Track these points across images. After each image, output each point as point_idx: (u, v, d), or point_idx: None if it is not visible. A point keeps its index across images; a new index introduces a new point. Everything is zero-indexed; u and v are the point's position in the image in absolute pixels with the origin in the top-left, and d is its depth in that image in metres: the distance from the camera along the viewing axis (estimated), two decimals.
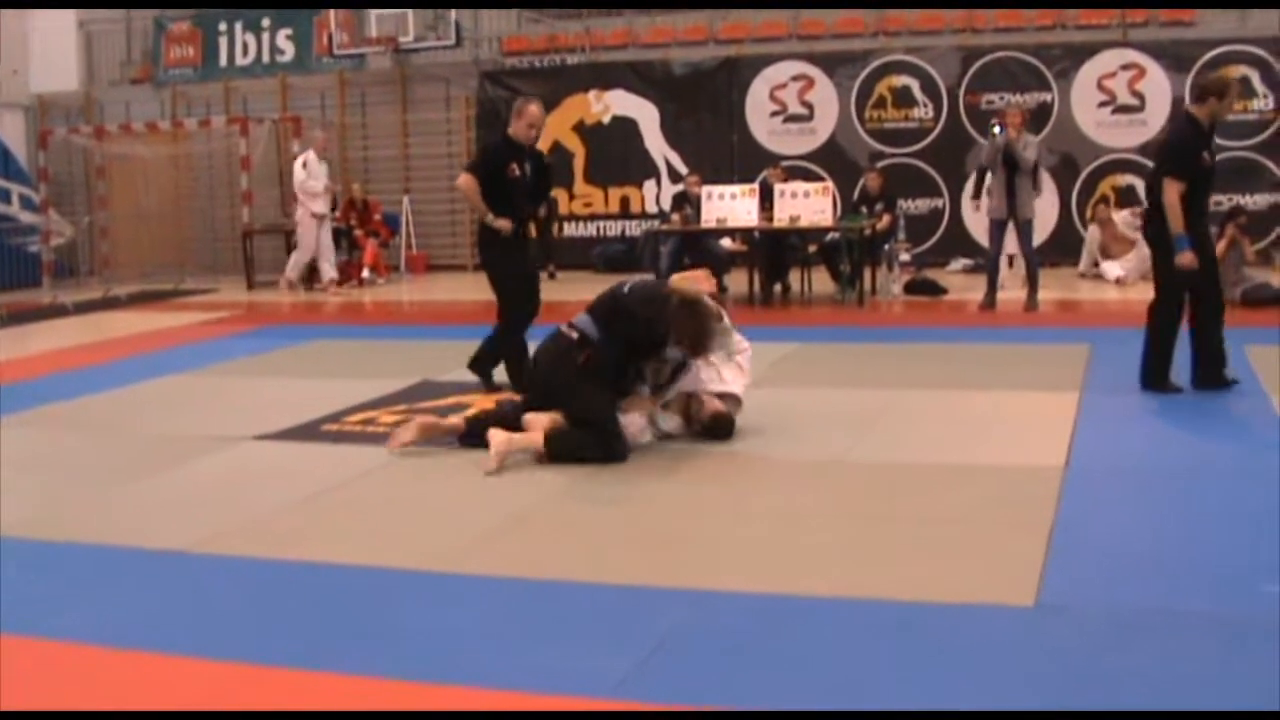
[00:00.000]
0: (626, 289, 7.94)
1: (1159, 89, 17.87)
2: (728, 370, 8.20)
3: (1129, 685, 4.23)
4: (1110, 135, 18.11)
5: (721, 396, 8.10)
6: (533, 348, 8.65)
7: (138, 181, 21.97)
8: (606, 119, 20.16)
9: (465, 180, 9.86)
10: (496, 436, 7.48)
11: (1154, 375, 8.97)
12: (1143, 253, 16.17)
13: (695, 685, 4.33)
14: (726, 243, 16.05)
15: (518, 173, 9.66)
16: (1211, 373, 8.91)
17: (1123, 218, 16.73)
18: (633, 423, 7.82)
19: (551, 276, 18.72)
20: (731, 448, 7.84)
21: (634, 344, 7.78)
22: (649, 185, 20.07)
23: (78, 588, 5.64)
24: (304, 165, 18.54)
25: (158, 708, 4.32)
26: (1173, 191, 8.62)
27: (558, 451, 7.49)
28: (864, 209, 16.04)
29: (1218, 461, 7.31)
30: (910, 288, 15.74)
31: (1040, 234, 15.03)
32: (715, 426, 7.97)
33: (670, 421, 8.10)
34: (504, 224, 9.62)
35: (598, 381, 7.64)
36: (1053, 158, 17.33)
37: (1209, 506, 6.44)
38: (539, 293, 10.06)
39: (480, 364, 9.86)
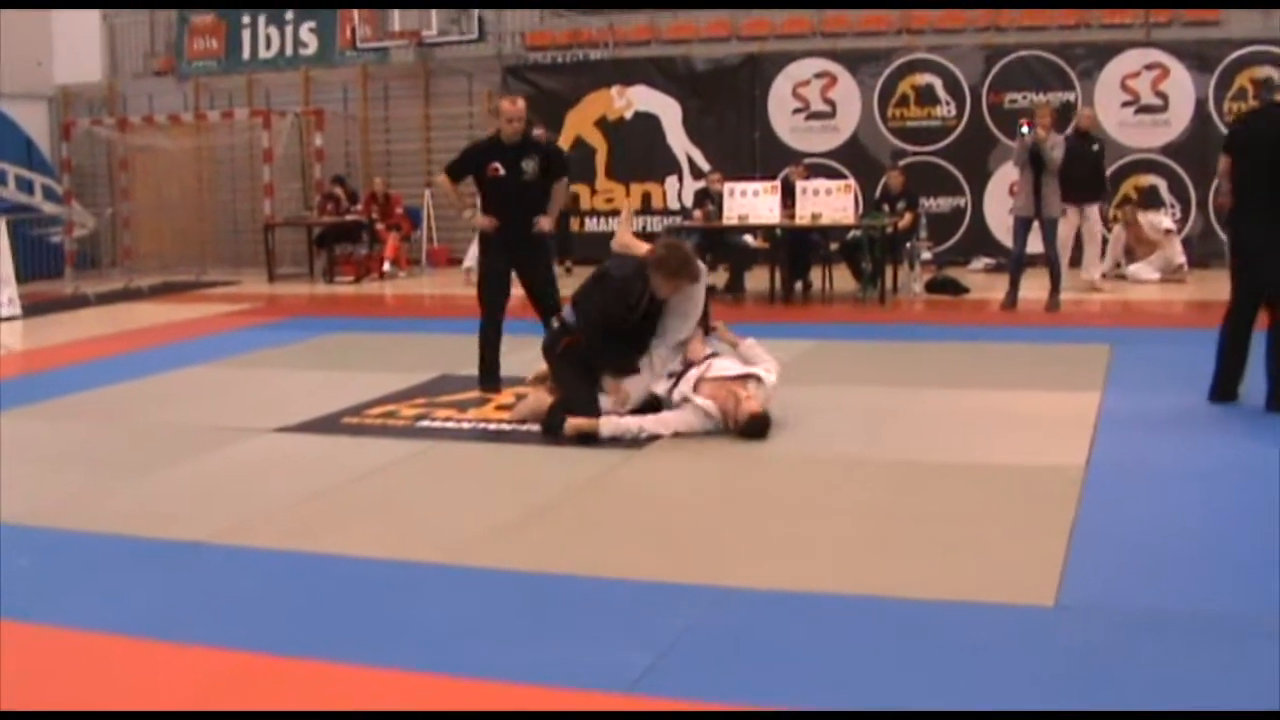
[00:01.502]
0: (606, 263, 8.66)
1: (1182, 89, 17.77)
2: (734, 359, 8.48)
3: (1148, 686, 4.21)
4: (1133, 135, 18.01)
5: (747, 378, 8.16)
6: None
7: (160, 173, 22.02)
8: (629, 115, 20.12)
9: (440, 179, 10.17)
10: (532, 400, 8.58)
11: None
12: (1167, 254, 16.21)
13: (713, 682, 4.33)
14: (748, 239, 16.04)
15: (500, 172, 9.58)
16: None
17: (1147, 220, 16.68)
18: (616, 394, 8.22)
19: (568, 271, 18.72)
20: (752, 443, 7.83)
21: (608, 315, 8.26)
22: (671, 181, 20.02)
23: (94, 577, 5.66)
24: None
25: (170, 697, 4.33)
26: None
27: (545, 424, 8.21)
28: (886, 207, 16.00)
29: (1239, 463, 7.28)
30: (931, 286, 15.70)
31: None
32: (751, 427, 7.94)
33: (707, 405, 8.08)
34: (481, 221, 9.75)
35: (575, 364, 8.34)
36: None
37: (1230, 508, 6.42)
38: (542, 290, 9.78)
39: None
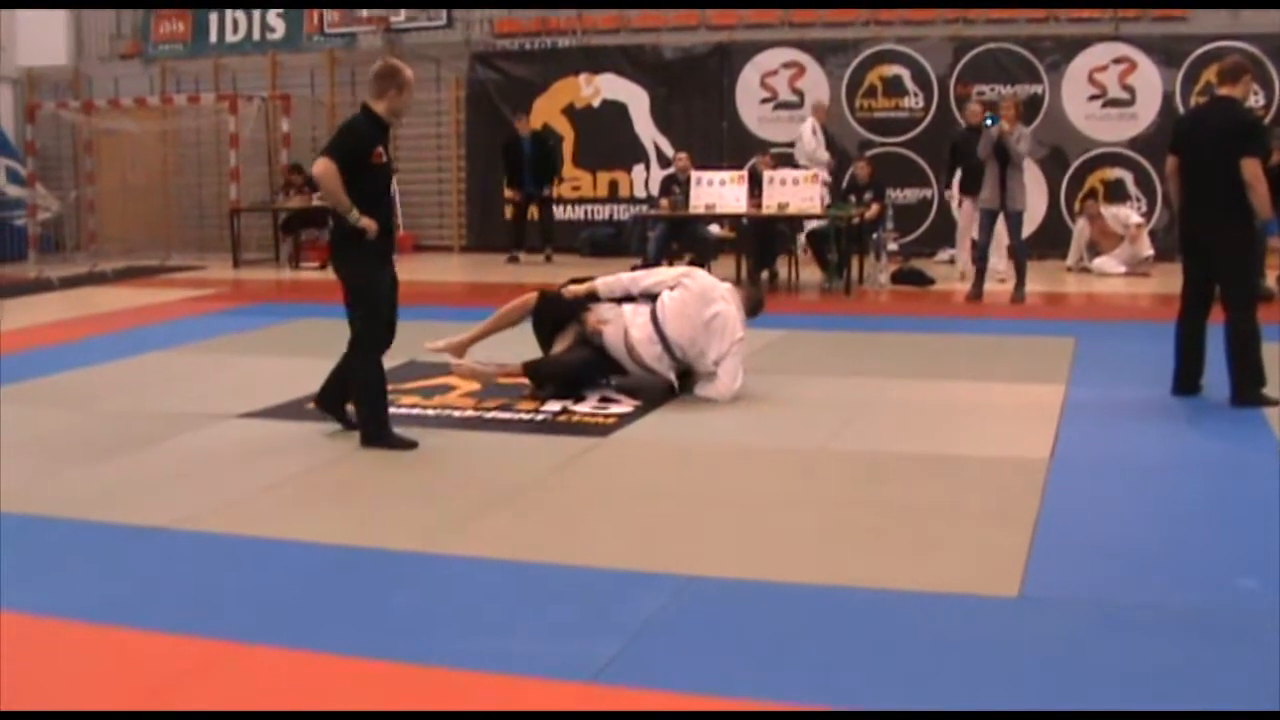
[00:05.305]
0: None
1: (1150, 83, 17.87)
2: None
3: (1111, 678, 4.23)
4: (1100, 129, 18.09)
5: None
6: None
7: (125, 157, 21.85)
8: (597, 103, 20.10)
9: (324, 167, 7.49)
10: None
11: (1249, 387, 8.29)
12: (1134, 247, 16.27)
13: (679, 671, 4.33)
14: (714, 228, 16.03)
15: (385, 159, 7.70)
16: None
17: (1112, 213, 16.76)
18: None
19: (548, 259, 18.69)
20: (716, 434, 7.85)
21: None
22: (638, 170, 20.01)
23: (55, 563, 5.61)
24: (814, 132, 17.51)
25: (134, 684, 4.30)
26: (1261, 172, 8.11)
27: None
28: (852, 197, 16.02)
29: (1202, 456, 7.34)
30: (897, 277, 15.74)
31: (1028, 226, 14.97)
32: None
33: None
34: (370, 224, 7.57)
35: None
36: (1042, 150, 17.37)
37: (1193, 500, 6.46)
38: (394, 314, 8.28)
39: (328, 397, 8.14)
